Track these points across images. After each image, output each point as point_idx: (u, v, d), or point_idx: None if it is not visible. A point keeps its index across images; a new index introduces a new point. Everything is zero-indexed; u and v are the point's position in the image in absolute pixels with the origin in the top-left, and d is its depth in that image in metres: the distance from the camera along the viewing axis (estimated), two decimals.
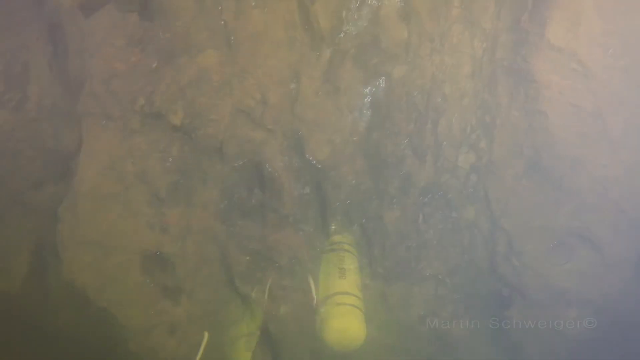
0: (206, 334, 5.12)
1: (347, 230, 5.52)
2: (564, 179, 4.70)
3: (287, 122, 5.04)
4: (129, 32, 4.52)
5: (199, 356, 5.01)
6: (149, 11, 4.32)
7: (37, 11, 4.86)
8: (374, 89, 5.17)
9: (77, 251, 5.03)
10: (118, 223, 4.98)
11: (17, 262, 5.76)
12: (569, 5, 4.21)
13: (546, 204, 4.87)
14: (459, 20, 4.88)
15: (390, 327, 5.62)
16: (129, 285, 5.20)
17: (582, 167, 4.60)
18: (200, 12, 4.46)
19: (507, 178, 4.98)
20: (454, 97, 5.03)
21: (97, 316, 5.46)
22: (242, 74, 4.68)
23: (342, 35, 5.02)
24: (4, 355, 5.90)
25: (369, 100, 5.20)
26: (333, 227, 5.48)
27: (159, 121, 4.69)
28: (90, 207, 4.93)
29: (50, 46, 4.96)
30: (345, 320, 4.73)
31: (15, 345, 6.04)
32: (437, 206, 5.36)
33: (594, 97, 4.42)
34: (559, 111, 4.50)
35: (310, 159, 5.16)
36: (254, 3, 4.67)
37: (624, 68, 4.34)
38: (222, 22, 4.58)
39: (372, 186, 5.31)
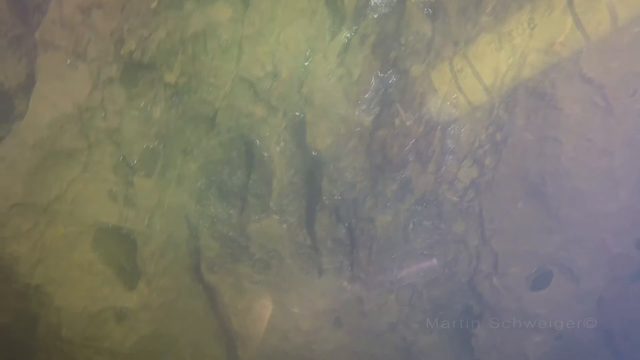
0: None
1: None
2: (562, 209, 4.72)
3: (293, 102, 4.47)
4: None
5: None
6: None
7: None
8: (389, 83, 4.77)
9: (11, 215, 4.07)
10: (73, 186, 4.09)
11: None
12: (608, 39, 4.13)
13: (538, 230, 4.87)
14: (488, 29, 4.63)
15: (361, 334, 5.37)
16: (75, 261, 4.34)
17: (582, 201, 4.64)
18: None
19: (505, 199, 4.90)
20: (468, 108, 4.80)
21: (24, 294, 4.53)
22: (256, 37, 4.00)
23: (365, 18, 4.55)
24: None
25: (381, 93, 4.79)
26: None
27: (147, 73, 3.87)
28: (38, 163, 3.97)
29: None
30: None
31: None
32: (429, 216, 5.16)
33: (607, 134, 4.43)
34: (573, 142, 4.46)
35: (310, 146, 4.67)
36: None
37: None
38: None
39: (368, 186, 4.94)
